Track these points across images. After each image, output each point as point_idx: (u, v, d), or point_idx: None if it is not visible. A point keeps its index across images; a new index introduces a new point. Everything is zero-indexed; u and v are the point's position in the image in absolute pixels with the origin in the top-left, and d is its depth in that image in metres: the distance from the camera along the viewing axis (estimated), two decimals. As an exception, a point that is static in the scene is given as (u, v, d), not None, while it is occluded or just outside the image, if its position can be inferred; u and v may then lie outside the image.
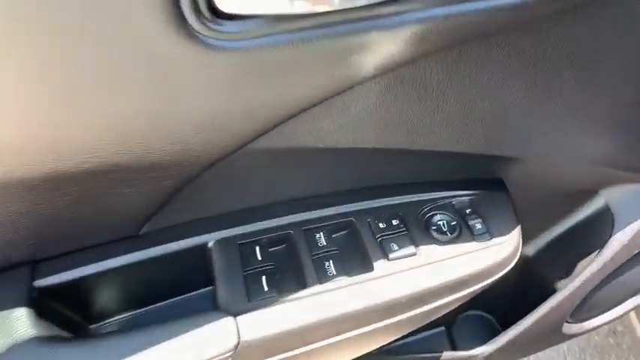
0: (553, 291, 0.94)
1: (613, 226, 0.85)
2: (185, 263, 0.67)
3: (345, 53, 0.43)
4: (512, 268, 0.74)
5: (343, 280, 0.63)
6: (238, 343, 0.57)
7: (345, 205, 0.70)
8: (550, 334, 1.08)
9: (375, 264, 0.64)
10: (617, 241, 0.85)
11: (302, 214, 0.68)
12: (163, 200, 0.59)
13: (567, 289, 0.91)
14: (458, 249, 0.67)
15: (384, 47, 0.44)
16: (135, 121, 0.43)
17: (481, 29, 0.46)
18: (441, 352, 0.99)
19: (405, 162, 0.70)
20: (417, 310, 0.66)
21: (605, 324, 1.14)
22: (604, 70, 0.57)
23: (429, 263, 0.65)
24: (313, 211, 0.69)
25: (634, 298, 1.13)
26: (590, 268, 0.88)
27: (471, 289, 0.68)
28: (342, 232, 0.70)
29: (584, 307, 1.03)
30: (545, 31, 0.49)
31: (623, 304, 1.12)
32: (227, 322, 0.58)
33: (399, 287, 0.63)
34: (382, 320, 0.64)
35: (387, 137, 0.59)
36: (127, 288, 0.68)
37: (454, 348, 1.06)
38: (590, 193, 0.87)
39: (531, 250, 0.96)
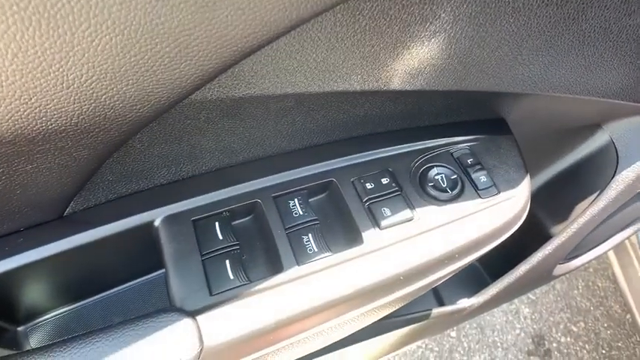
0: (549, 235, 0.86)
1: (617, 163, 0.76)
2: (127, 247, 0.53)
3: None
4: None
5: (327, 258, 0.51)
6: (201, 351, 0.45)
7: (322, 163, 0.56)
8: (540, 279, 1.02)
9: (365, 235, 0.52)
10: (622, 179, 0.76)
11: (270, 177, 0.55)
12: (84, 175, 0.44)
13: (565, 234, 0.83)
14: (461, 209, 0.56)
15: None
16: (15, 72, 0.27)
17: None
18: (429, 309, 0.92)
19: (393, 105, 0.56)
20: (416, 286, 0.55)
21: (593, 259, 1.09)
22: None
23: (429, 230, 0.53)
24: (284, 173, 0.55)
25: (622, 232, 1.08)
26: (590, 209, 0.80)
27: (477, 254, 0.58)
28: (321, 197, 0.57)
29: (576, 247, 0.97)
30: None
31: (612, 239, 1.07)
32: (185, 324, 0.45)
33: (395, 262, 0.51)
34: (375, 301, 0.54)
35: (375, 77, 0.45)
36: (56, 281, 0.54)
37: (440, 302, 0.99)
38: (593, 128, 0.77)
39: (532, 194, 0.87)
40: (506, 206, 0.57)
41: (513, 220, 0.58)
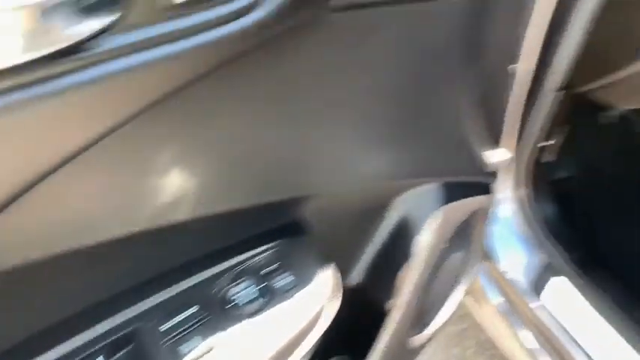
0: (385, 313, 0.91)
1: (414, 231, 0.86)
2: None
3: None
4: (345, 303, 0.68)
5: None
6: None
7: (120, 313, 0.55)
8: (403, 355, 1.05)
9: None
10: (422, 244, 0.85)
11: (59, 347, 0.51)
12: None
13: (398, 307, 0.89)
14: (273, 314, 0.58)
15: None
16: None
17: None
18: None
19: (182, 237, 0.58)
20: None
21: (445, 322, 1.15)
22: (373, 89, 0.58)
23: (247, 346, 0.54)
24: (77, 337, 0.52)
25: (459, 286, 1.17)
26: (408, 278, 0.87)
27: (308, 343, 0.60)
28: (126, 351, 0.54)
29: (420, 316, 1.03)
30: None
31: (452, 297, 1.16)
32: None
33: None
34: None
35: (156, 212, 0.47)
36: None
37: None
38: (384, 206, 0.87)
39: (353, 279, 0.92)
40: (317, 296, 0.61)
41: (330, 303, 0.62)
